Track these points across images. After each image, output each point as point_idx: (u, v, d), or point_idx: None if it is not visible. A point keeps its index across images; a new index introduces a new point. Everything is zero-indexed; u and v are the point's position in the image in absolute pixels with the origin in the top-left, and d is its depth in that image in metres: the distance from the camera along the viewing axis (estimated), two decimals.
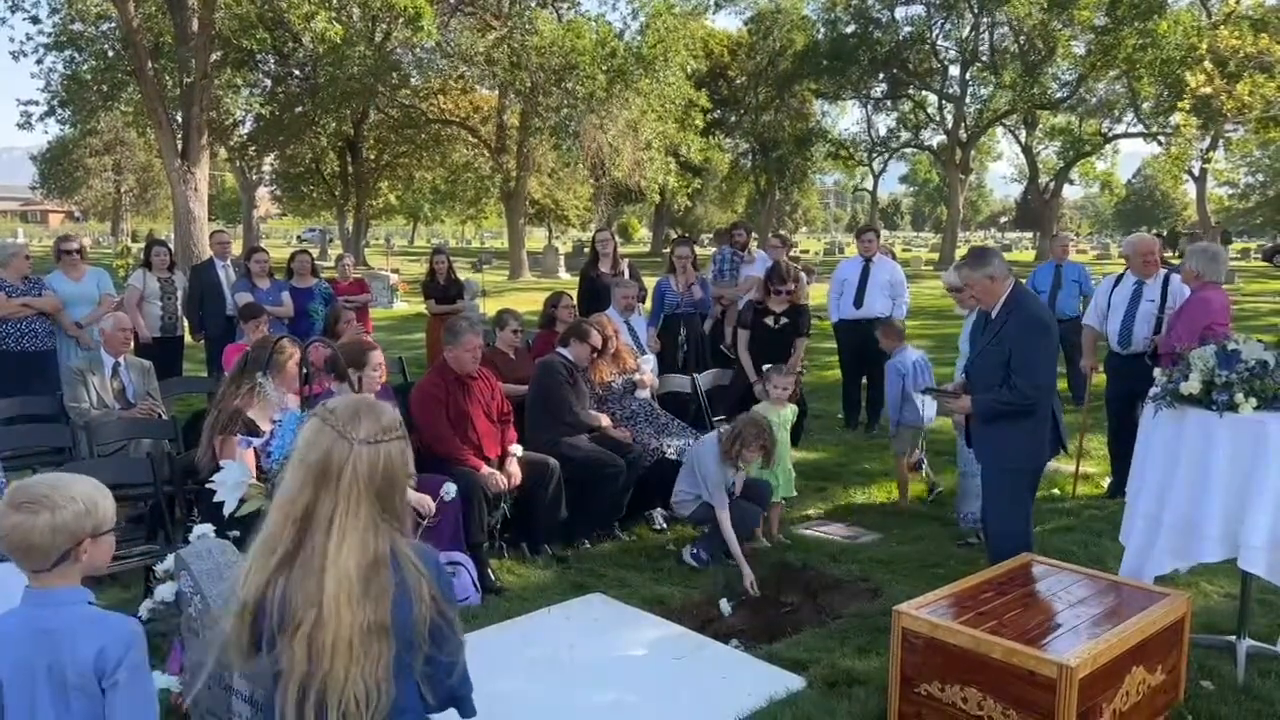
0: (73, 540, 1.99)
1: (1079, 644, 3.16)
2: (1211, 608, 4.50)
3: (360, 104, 26.68)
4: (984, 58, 37.68)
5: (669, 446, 5.81)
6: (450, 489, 4.33)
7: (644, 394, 6.33)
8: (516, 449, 5.28)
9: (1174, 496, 3.84)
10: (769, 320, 6.31)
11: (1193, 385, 3.80)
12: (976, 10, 36.01)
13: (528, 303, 14.40)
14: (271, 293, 8.03)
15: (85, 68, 22.48)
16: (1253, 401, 3.69)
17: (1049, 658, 3.05)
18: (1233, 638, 3.95)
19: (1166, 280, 6.12)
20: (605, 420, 5.83)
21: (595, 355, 6.03)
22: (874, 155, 45.95)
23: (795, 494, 5.87)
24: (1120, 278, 6.37)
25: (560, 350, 5.93)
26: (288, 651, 1.76)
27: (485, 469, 5.04)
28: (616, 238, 8.86)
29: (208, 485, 3.27)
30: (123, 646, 1.97)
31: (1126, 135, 39.68)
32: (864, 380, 8.41)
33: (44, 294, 6.82)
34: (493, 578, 4.84)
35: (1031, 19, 33.85)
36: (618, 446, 5.66)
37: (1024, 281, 9.14)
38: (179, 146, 17.15)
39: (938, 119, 40.34)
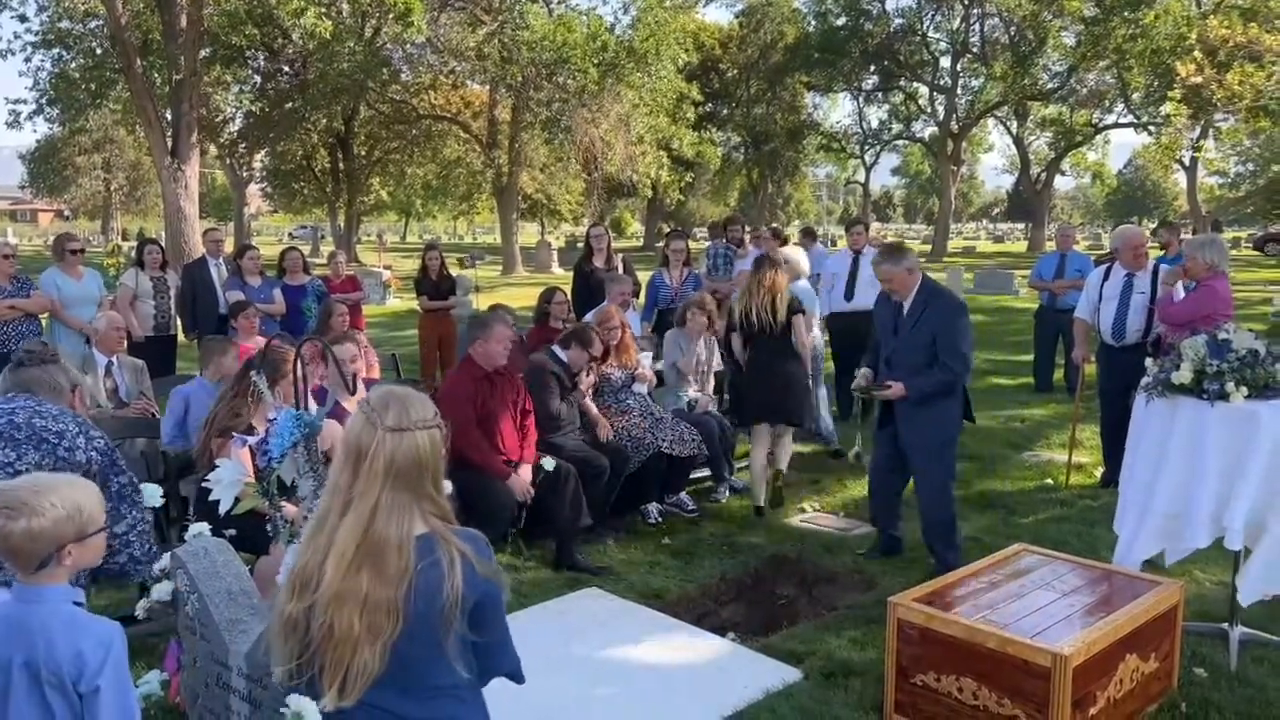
0: (54, 545, 1.94)
1: (1073, 633, 3.19)
2: (1204, 595, 4.53)
3: (350, 100, 26.58)
4: (974, 49, 37.74)
5: (664, 441, 5.82)
6: (549, 461, 5.04)
7: (641, 388, 6.33)
8: (548, 461, 5.22)
9: (1165, 484, 3.87)
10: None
11: (1184, 375, 3.83)
12: (967, 2, 36.05)
13: (521, 298, 14.38)
14: (263, 290, 8.00)
15: (73, 66, 22.41)
16: (1243, 390, 3.73)
17: (1043, 647, 3.08)
18: (1225, 625, 3.98)
19: (1156, 271, 6.14)
20: (604, 428, 5.77)
21: (592, 361, 5.94)
22: (866, 148, 45.91)
23: None
24: (1109, 270, 6.37)
25: (555, 349, 5.83)
26: (313, 612, 1.83)
27: (513, 477, 5.06)
28: (610, 232, 8.85)
29: (204, 484, 3.28)
30: (102, 650, 1.92)
31: (1117, 125, 39.75)
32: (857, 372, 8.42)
33: (33, 294, 6.74)
34: None
35: (1021, 10, 33.90)
36: (603, 446, 5.64)
37: (1028, 272, 9.24)
38: (169, 144, 17.04)
39: (929, 111, 40.36)
